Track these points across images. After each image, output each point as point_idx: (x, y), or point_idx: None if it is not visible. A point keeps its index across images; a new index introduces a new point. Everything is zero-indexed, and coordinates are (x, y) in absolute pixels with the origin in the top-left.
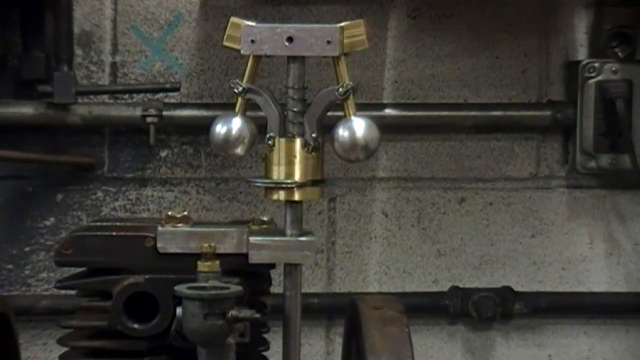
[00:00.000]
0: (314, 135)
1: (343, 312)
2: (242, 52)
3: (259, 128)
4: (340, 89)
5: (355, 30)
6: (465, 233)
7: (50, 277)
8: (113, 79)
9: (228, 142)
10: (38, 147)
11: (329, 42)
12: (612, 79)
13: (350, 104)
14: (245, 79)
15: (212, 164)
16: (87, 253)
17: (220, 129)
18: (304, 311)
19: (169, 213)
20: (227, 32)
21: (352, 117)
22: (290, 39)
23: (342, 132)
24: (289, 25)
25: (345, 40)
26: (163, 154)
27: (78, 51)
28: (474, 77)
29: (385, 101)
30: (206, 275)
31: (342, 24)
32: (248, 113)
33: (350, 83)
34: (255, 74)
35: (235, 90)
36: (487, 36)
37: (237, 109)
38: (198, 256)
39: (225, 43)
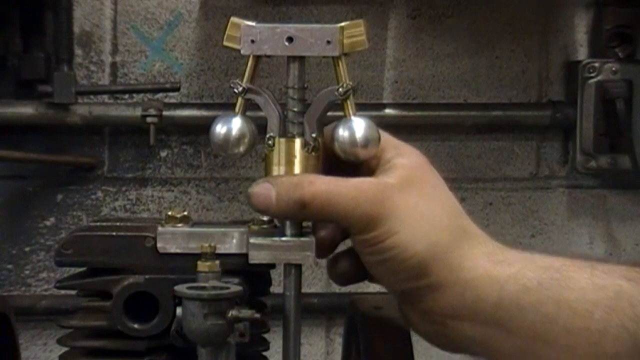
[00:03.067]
0: (314, 135)
1: (343, 312)
2: (242, 52)
3: (259, 128)
4: (340, 89)
5: (355, 30)
6: None
7: (50, 277)
8: (113, 79)
9: (228, 142)
10: (38, 147)
11: (329, 42)
12: (612, 79)
13: (350, 104)
14: (245, 79)
15: (212, 164)
16: (87, 253)
17: (220, 129)
18: (304, 311)
19: (169, 213)
20: (227, 32)
21: (352, 117)
22: (290, 39)
23: (342, 132)
24: (289, 25)
25: (345, 40)
26: (163, 154)
27: (78, 51)
28: (474, 77)
29: (385, 101)
30: (206, 275)
31: (342, 24)
32: (248, 113)
33: (350, 83)
34: (255, 74)
35: (235, 90)
36: (487, 36)
37: (237, 109)
38: (198, 256)
39: (225, 43)
